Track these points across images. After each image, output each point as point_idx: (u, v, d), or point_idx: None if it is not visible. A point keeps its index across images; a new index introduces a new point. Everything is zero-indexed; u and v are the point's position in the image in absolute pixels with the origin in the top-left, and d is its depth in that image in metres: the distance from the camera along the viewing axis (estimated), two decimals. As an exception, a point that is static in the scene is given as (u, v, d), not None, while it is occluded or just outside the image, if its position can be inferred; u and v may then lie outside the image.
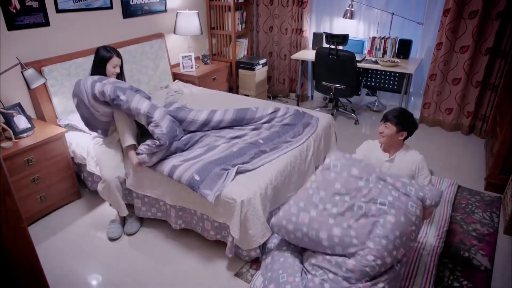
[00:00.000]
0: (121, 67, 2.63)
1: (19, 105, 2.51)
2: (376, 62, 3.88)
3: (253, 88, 4.43)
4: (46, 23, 2.76)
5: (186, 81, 3.87)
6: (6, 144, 2.32)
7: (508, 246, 2.34)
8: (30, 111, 2.78)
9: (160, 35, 3.73)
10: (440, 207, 2.60)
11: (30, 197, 2.44)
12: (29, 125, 2.48)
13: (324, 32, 4.09)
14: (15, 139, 2.38)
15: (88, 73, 2.89)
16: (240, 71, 4.45)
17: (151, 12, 3.67)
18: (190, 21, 3.81)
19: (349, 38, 3.77)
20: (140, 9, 3.54)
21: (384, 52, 4.04)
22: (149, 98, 2.60)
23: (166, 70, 3.78)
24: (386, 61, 3.85)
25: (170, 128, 2.28)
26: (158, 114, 2.25)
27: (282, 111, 2.81)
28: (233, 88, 4.66)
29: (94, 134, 2.52)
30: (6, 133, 2.37)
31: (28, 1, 2.60)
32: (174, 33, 3.90)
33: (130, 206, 2.60)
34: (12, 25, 2.55)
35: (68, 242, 2.38)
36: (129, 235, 2.43)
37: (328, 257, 1.83)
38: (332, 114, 4.03)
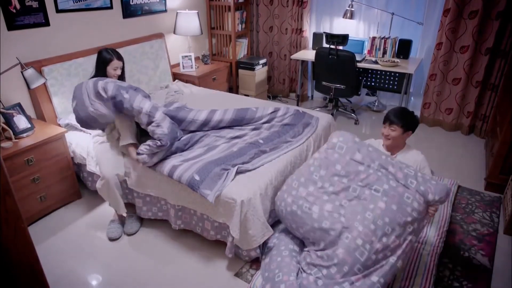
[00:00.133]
0: (123, 69, 2.70)
1: (19, 105, 2.51)
2: (376, 62, 3.88)
3: (253, 88, 4.43)
4: (46, 23, 2.76)
5: (186, 81, 3.87)
6: (6, 144, 2.32)
7: (508, 246, 2.34)
8: (30, 111, 2.78)
9: (160, 35, 3.74)
10: (440, 207, 2.60)
11: (30, 197, 2.44)
12: (29, 125, 2.48)
13: (324, 32, 4.09)
14: (15, 139, 2.38)
15: (88, 73, 2.92)
16: (240, 71, 4.46)
17: (151, 12, 3.67)
18: (190, 21, 3.81)
19: (349, 38, 3.77)
20: (140, 9, 3.54)
21: (384, 52, 4.04)
22: (148, 96, 2.64)
23: (166, 70, 3.78)
24: (386, 61, 3.85)
25: (171, 129, 2.30)
26: (159, 115, 2.25)
27: (282, 111, 2.81)
28: (233, 88, 4.66)
29: (94, 133, 2.52)
30: (6, 133, 2.37)
31: (28, 1, 2.60)
32: (174, 33, 3.90)
33: (130, 206, 2.60)
34: (12, 25, 2.55)
35: (68, 242, 2.38)
36: (129, 235, 2.43)
37: (319, 253, 1.87)
38: (332, 114, 4.03)
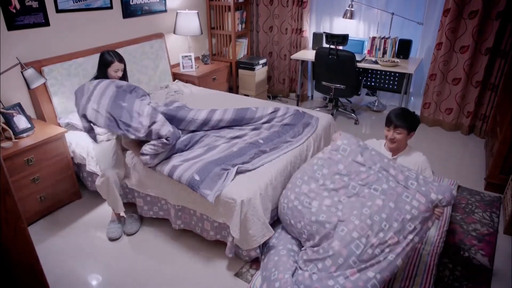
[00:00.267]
0: (125, 70, 2.78)
1: (19, 105, 2.50)
2: (376, 62, 3.88)
3: (253, 88, 4.43)
4: (46, 23, 2.76)
5: (186, 81, 3.87)
6: (6, 144, 2.32)
7: (508, 246, 2.34)
8: (30, 111, 2.78)
9: (160, 35, 3.74)
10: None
11: (30, 197, 2.44)
12: (29, 125, 2.48)
13: (324, 32, 4.09)
14: (15, 139, 2.38)
15: (88, 73, 2.93)
16: (240, 71, 4.46)
17: (151, 12, 3.67)
18: (190, 21, 3.81)
19: (349, 38, 3.77)
20: (140, 9, 3.54)
21: (384, 52, 4.04)
22: (148, 95, 2.69)
23: (166, 70, 3.78)
24: (386, 61, 3.85)
25: (174, 129, 2.33)
26: (160, 117, 2.27)
27: (282, 111, 2.81)
28: (233, 88, 4.66)
29: (94, 132, 2.53)
30: (6, 133, 2.37)
31: (28, 1, 2.60)
32: (174, 33, 3.90)
33: (131, 206, 2.61)
34: (12, 25, 2.54)
35: (68, 242, 2.38)
36: (129, 235, 2.43)
37: (315, 248, 1.88)
38: (332, 114, 4.03)
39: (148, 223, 2.54)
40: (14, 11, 2.54)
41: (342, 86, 3.87)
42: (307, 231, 1.96)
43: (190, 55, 3.94)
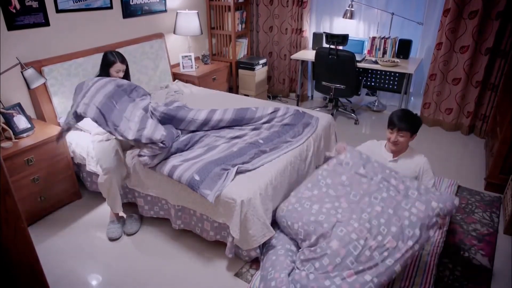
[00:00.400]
0: (127, 71, 2.83)
1: (19, 105, 2.51)
2: (376, 62, 3.88)
3: (253, 88, 4.43)
4: (46, 23, 2.76)
5: (186, 81, 3.87)
6: (6, 144, 2.32)
7: (508, 246, 2.34)
8: (30, 111, 2.78)
9: (160, 35, 3.73)
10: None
11: (30, 197, 2.44)
12: (29, 125, 2.48)
13: (324, 32, 4.09)
14: (15, 139, 2.38)
15: (88, 73, 2.93)
16: (240, 71, 4.45)
17: (151, 12, 3.67)
18: (190, 21, 3.81)
19: (349, 38, 3.76)
20: (140, 9, 3.54)
21: (384, 52, 4.04)
22: (149, 95, 2.70)
23: (166, 70, 3.78)
24: (386, 61, 3.85)
25: (168, 131, 2.33)
26: (150, 123, 2.28)
27: (282, 111, 2.81)
28: (233, 88, 4.66)
29: (94, 131, 2.52)
30: (6, 133, 2.37)
31: (28, 1, 2.60)
32: (174, 33, 3.90)
33: (131, 206, 2.61)
34: (12, 25, 2.54)
35: (68, 242, 2.38)
36: (129, 235, 2.43)
37: (312, 248, 1.89)
38: (332, 114, 4.03)
39: (148, 223, 2.54)
40: (14, 11, 2.54)
41: (342, 86, 3.87)
42: (304, 230, 1.97)
43: (190, 55, 3.94)
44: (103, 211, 2.65)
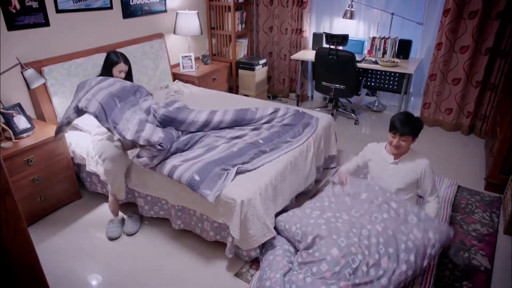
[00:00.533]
0: (130, 71, 2.87)
1: (19, 105, 2.51)
2: (376, 62, 3.88)
3: (253, 88, 4.43)
4: (46, 23, 2.76)
5: (186, 81, 3.87)
6: (6, 144, 2.32)
7: (508, 246, 2.34)
8: (30, 111, 2.78)
9: (160, 35, 3.74)
10: (440, 207, 2.59)
11: (30, 197, 2.44)
12: (29, 125, 2.48)
13: (324, 32, 4.09)
14: (15, 139, 2.38)
15: (88, 73, 2.93)
16: (240, 71, 4.46)
17: (151, 12, 3.67)
18: (190, 21, 3.81)
19: (349, 38, 3.76)
20: (140, 9, 3.54)
21: (384, 52, 4.04)
22: (151, 95, 2.71)
23: (166, 70, 3.78)
24: (386, 61, 3.85)
25: (167, 133, 2.33)
26: (149, 126, 2.28)
27: (282, 111, 2.81)
28: (233, 88, 4.66)
29: (94, 131, 2.52)
30: (6, 133, 2.37)
31: (28, 1, 2.60)
32: (174, 33, 3.90)
33: (131, 206, 2.61)
34: (12, 25, 2.55)
35: (68, 242, 2.38)
36: (129, 235, 2.43)
37: (310, 250, 1.89)
38: (332, 114, 4.03)
39: (148, 223, 2.54)
40: (14, 11, 2.54)
41: (342, 86, 3.87)
42: (301, 232, 1.98)
43: (190, 55, 3.94)
44: (103, 211, 2.65)
